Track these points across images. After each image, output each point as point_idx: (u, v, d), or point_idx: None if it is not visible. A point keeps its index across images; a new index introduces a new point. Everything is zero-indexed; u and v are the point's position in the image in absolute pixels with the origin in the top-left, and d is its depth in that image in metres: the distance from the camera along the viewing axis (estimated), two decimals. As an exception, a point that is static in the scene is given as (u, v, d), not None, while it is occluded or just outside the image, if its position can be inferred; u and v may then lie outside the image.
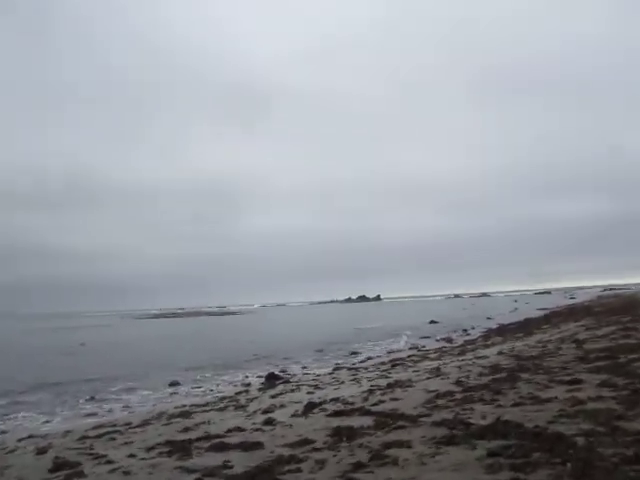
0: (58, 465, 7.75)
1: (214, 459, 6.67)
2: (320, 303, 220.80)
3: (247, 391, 15.29)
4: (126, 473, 6.58)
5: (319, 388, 13.69)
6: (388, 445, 6.14)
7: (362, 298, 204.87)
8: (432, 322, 47.54)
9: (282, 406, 11.01)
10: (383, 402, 9.51)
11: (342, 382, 14.34)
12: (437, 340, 30.02)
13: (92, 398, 16.81)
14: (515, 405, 7.47)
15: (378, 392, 10.94)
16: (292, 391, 13.76)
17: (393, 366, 17.19)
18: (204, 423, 9.90)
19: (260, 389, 15.42)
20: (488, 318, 48.71)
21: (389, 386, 11.69)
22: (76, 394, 17.79)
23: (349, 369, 18.46)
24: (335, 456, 5.99)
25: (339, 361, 22.95)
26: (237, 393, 14.99)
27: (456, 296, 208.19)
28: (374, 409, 8.79)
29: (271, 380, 17.28)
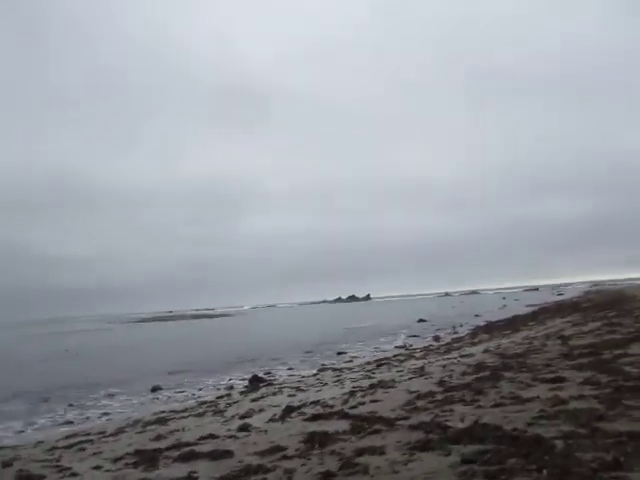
0: (21, 479, 7.44)
1: (180, 470, 6.36)
2: (311, 304, 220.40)
3: (229, 395, 14.95)
4: (86, 487, 6.25)
5: (301, 390, 13.39)
6: (361, 451, 5.85)
7: (352, 298, 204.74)
8: (421, 320, 47.43)
9: (261, 410, 10.70)
10: (363, 404, 9.23)
11: (325, 384, 14.06)
12: (424, 339, 29.84)
13: (71, 405, 16.39)
14: (495, 406, 7.21)
15: (359, 394, 10.66)
16: (274, 394, 13.44)
17: (378, 366, 16.92)
18: (178, 430, 9.57)
19: (242, 392, 15.09)
20: (476, 315, 48.65)
21: (371, 387, 11.41)
22: (56, 402, 17.34)
23: (334, 370, 18.18)
24: (304, 465, 5.69)
25: (325, 362, 22.66)
26: (218, 397, 14.64)
27: (446, 294, 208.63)
28: (352, 412, 8.51)
29: (254, 383, 16.97)
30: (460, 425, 6.31)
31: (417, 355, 18.97)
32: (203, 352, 32.69)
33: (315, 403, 10.29)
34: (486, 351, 15.54)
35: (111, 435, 10.31)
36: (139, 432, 10.12)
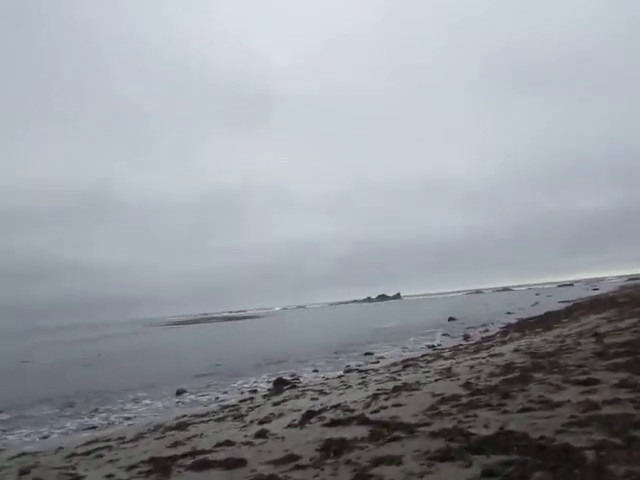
0: (35, 487, 7.36)
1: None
2: (340, 304, 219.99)
3: (252, 398, 14.75)
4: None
5: (324, 393, 13.09)
6: (377, 461, 5.54)
7: (382, 297, 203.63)
8: (451, 319, 46.61)
9: (281, 415, 10.44)
10: (385, 408, 8.90)
11: (349, 386, 13.72)
12: (454, 338, 29.20)
13: (96, 410, 16.42)
14: (523, 411, 6.79)
15: (382, 397, 10.32)
16: (296, 397, 13.18)
17: (405, 367, 16.51)
18: (197, 436, 9.40)
19: (265, 396, 14.87)
20: (508, 313, 47.53)
21: (395, 390, 11.05)
22: (82, 407, 17.41)
23: (360, 371, 17.83)
24: (317, 476, 5.40)
25: (352, 363, 22.31)
26: (241, 401, 14.46)
27: (477, 291, 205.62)
28: (373, 417, 8.18)
29: (279, 385, 16.75)
30: (484, 432, 5.93)
31: (445, 355, 18.46)
32: (230, 354, 32.69)
33: (336, 407, 9.98)
34: (516, 350, 14.97)
35: (130, 441, 10.19)
36: (158, 438, 9.98)
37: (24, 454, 10.77)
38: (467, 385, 9.90)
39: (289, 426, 8.85)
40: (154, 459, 7.67)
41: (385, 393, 10.81)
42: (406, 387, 11.21)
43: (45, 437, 13.14)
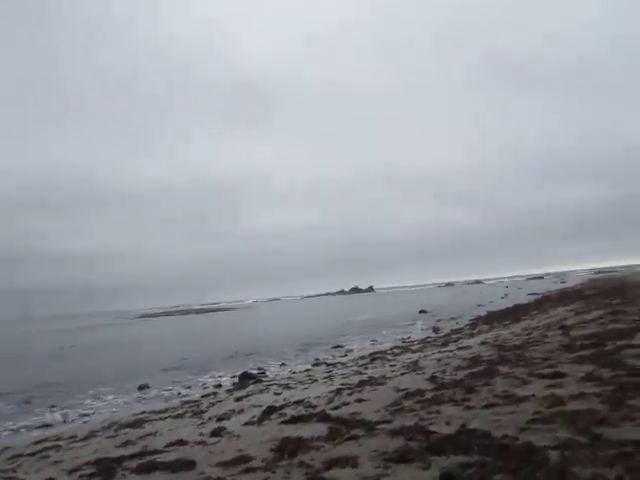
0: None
1: (134, 485, 5.72)
2: (313, 296, 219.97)
3: (215, 394, 14.30)
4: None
5: (289, 388, 12.74)
6: (332, 463, 5.19)
7: (355, 290, 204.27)
8: (422, 312, 46.74)
9: (241, 411, 10.05)
10: (347, 404, 8.58)
11: (315, 380, 13.39)
12: (424, 330, 29.17)
13: (53, 407, 15.77)
14: (487, 406, 6.52)
15: (346, 392, 10.01)
16: (260, 392, 12.80)
17: (372, 360, 16.27)
18: (150, 435, 8.95)
19: (229, 390, 14.44)
20: (479, 305, 47.94)
21: (360, 384, 10.76)
22: (40, 403, 16.73)
23: (327, 365, 17.54)
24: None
25: (321, 356, 22.02)
26: (203, 396, 14.01)
27: (449, 284, 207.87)
28: (334, 414, 7.85)
29: (244, 380, 16.32)
30: (445, 430, 5.63)
31: (413, 348, 18.29)
32: (199, 348, 32.13)
33: (298, 403, 9.64)
34: (484, 343, 14.85)
35: (81, 440, 9.69)
36: (110, 437, 9.48)
37: (-31, 455, 10.18)
38: (432, 379, 9.66)
39: (247, 423, 8.47)
40: (100, 460, 7.20)
41: (349, 388, 10.50)
42: (371, 381, 10.92)
43: (-6, 436, 12.50)
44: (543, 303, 34.94)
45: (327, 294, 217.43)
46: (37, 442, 10.17)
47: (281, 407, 9.35)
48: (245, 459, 5.97)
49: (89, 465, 7.07)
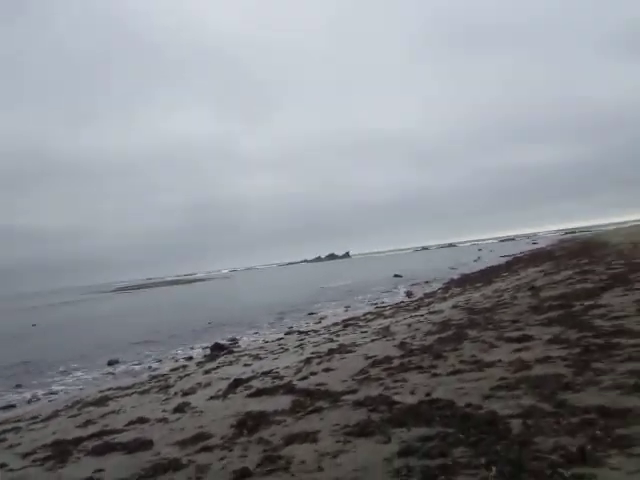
0: None
1: (86, 467, 5.48)
2: (290, 264, 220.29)
3: (185, 367, 14.06)
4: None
5: (259, 358, 12.55)
6: (291, 439, 5.00)
7: (331, 257, 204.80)
8: (396, 276, 46.97)
9: (207, 385, 9.82)
10: (315, 374, 8.45)
11: (286, 350, 13.24)
12: (397, 295, 29.29)
13: (19, 386, 15.36)
14: (453, 373, 6.40)
15: (315, 361, 9.87)
16: (230, 364, 12.59)
17: (345, 327, 16.18)
18: (113, 413, 8.69)
19: (199, 363, 14.19)
20: (451, 268, 48.36)
21: (330, 352, 10.63)
22: (4, 383, 16.26)
23: (300, 333, 17.40)
24: (223, 459, 4.81)
25: (294, 324, 21.91)
26: (172, 369, 13.75)
27: (424, 248, 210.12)
28: (300, 385, 7.69)
29: (215, 351, 16.10)
30: (409, 400, 5.48)
31: (386, 313, 18.26)
32: (172, 320, 31.73)
33: (266, 374, 9.47)
34: (455, 307, 14.86)
35: (42, 421, 9.37)
36: (72, 416, 9.19)
37: None
38: (402, 345, 9.56)
39: (212, 398, 8.27)
40: (57, 443, 6.93)
41: (319, 357, 10.37)
42: (341, 349, 10.80)
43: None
44: (514, 264, 35.34)
45: (304, 261, 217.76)
46: (-3, 424, 9.82)
47: (248, 379, 9.15)
48: (204, 437, 5.76)
49: (45, 448, 6.79)
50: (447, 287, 27.18)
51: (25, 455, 6.63)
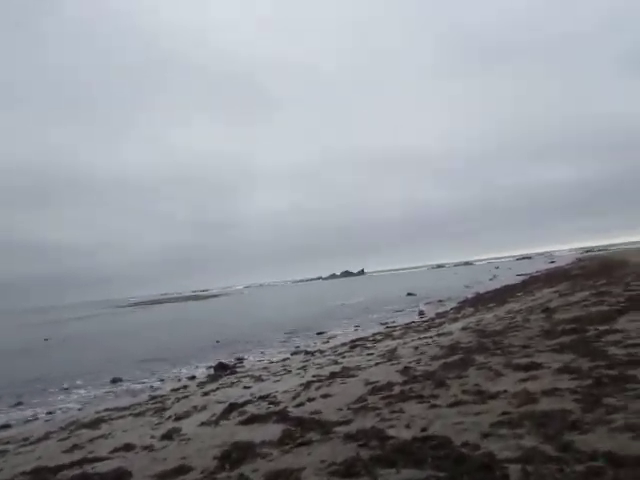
0: None
1: (58, 503, 5.13)
2: (304, 281, 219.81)
3: (186, 387, 13.72)
4: None
5: (261, 380, 12.18)
6: (274, 476, 4.62)
7: (346, 273, 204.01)
8: (409, 294, 46.35)
9: (203, 408, 9.47)
10: (312, 400, 8.05)
11: (289, 371, 12.84)
12: (409, 314, 28.72)
13: (19, 404, 15.13)
14: (453, 405, 5.96)
15: (315, 385, 9.47)
16: (231, 385, 12.24)
17: (352, 348, 15.74)
18: (102, 437, 8.37)
19: (201, 383, 13.85)
20: (467, 287, 47.59)
21: (331, 376, 10.23)
22: (5, 400, 16.05)
23: (306, 353, 17.00)
24: (197, 499, 4.44)
25: (303, 343, 21.51)
26: (173, 390, 13.44)
27: (439, 266, 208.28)
28: (295, 412, 7.30)
29: (219, 371, 15.77)
30: (403, 435, 5.07)
31: (395, 334, 17.77)
32: (182, 336, 31.55)
33: (263, 398, 9.10)
34: (465, 328, 14.34)
35: (31, 444, 9.09)
36: (62, 439, 8.88)
37: None
38: (405, 371, 9.12)
39: (203, 423, 7.90)
40: (37, 470, 6.63)
41: (319, 380, 9.96)
42: (343, 373, 10.39)
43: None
44: (530, 284, 34.55)
45: (319, 278, 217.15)
46: (-14, 446, 9.55)
47: (244, 404, 8.78)
48: (184, 469, 5.40)
49: (24, 475, 6.50)
50: (460, 307, 26.57)
51: (2, 484, 6.34)
